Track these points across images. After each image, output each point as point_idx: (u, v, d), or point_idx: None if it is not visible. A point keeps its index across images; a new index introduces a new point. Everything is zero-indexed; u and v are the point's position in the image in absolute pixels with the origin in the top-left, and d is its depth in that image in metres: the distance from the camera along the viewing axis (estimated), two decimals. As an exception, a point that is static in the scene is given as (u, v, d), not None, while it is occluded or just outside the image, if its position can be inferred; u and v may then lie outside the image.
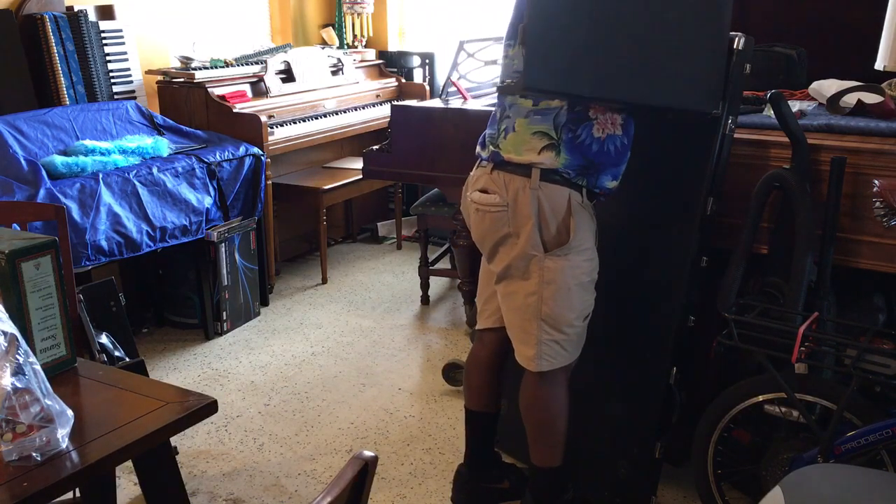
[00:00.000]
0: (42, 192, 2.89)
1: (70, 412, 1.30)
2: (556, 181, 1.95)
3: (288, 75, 4.24)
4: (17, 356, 1.27)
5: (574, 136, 1.93)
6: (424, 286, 4.00)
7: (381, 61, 4.97)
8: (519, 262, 2.00)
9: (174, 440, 1.59)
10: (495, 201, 2.01)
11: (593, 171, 1.97)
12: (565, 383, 2.12)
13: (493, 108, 3.32)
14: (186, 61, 3.96)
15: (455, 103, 3.48)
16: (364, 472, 1.07)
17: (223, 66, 4.01)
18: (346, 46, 4.93)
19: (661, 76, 1.90)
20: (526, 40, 1.76)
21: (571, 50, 1.80)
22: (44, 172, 2.99)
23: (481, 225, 2.08)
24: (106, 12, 3.72)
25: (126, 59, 3.75)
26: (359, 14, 4.91)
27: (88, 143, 3.27)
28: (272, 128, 3.96)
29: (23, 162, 3.01)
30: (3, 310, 1.36)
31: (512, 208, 1.98)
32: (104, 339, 2.53)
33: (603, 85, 1.84)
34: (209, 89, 3.85)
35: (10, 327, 1.30)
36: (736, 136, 2.18)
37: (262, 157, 3.75)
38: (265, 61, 4.14)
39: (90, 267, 3.08)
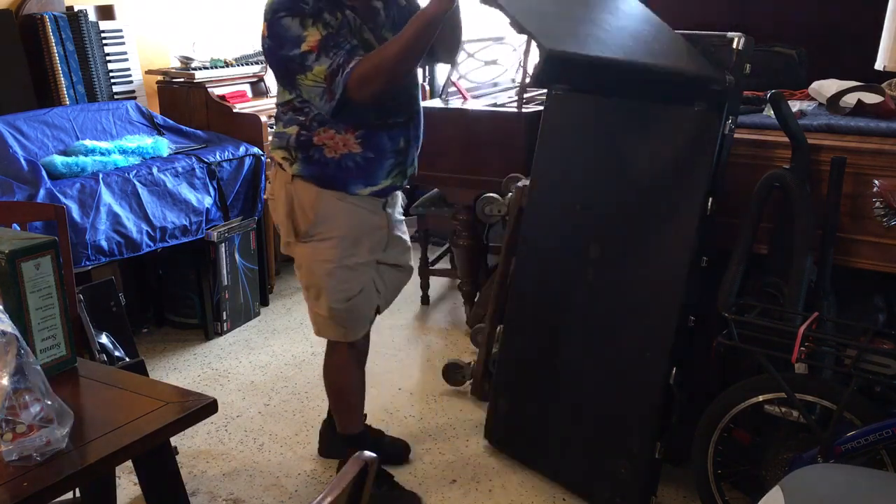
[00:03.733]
0: (42, 192, 2.89)
1: (70, 412, 1.30)
2: (306, 179, 2.16)
3: (288, 75, 4.24)
4: (17, 356, 1.27)
5: (308, 156, 2.14)
6: (424, 286, 4.00)
7: (381, 61, 4.96)
8: (286, 247, 2.28)
9: (174, 440, 1.59)
10: (269, 191, 2.31)
11: (337, 183, 2.14)
12: (349, 359, 2.34)
13: (493, 109, 3.34)
14: (186, 61, 3.96)
15: (455, 103, 3.48)
16: (364, 472, 1.07)
17: (223, 66, 4.01)
18: (346, 46, 4.92)
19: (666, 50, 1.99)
20: (522, 24, 1.78)
21: (572, 22, 1.87)
22: (44, 172, 2.99)
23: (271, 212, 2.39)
24: (106, 12, 3.72)
25: (126, 59, 3.75)
26: (359, 14, 4.91)
27: (88, 143, 3.27)
28: (272, 128, 3.96)
29: (23, 162, 3.01)
30: (3, 310, 1.36)
31: (275, 199, 2.25)
32: (104, 339, 2.53)
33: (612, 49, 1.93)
34: (209, 89, 3.85)
35: (10, 327, 1.30)
36: (736, 136, 2.18)
37: (262, 157, 3.74)
38: (265, 61, 4.13)
39: (90, 267, 3.08)
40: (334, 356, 2.36)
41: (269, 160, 2.35)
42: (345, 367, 2.36)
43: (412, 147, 2.26)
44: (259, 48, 4.22)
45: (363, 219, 2.21)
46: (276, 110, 2.25)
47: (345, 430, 2.41)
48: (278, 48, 2.00)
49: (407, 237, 2.44)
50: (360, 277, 2.23)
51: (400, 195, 2.38)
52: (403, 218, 2.43)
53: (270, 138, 2.41)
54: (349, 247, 2.19)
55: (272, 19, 1.98)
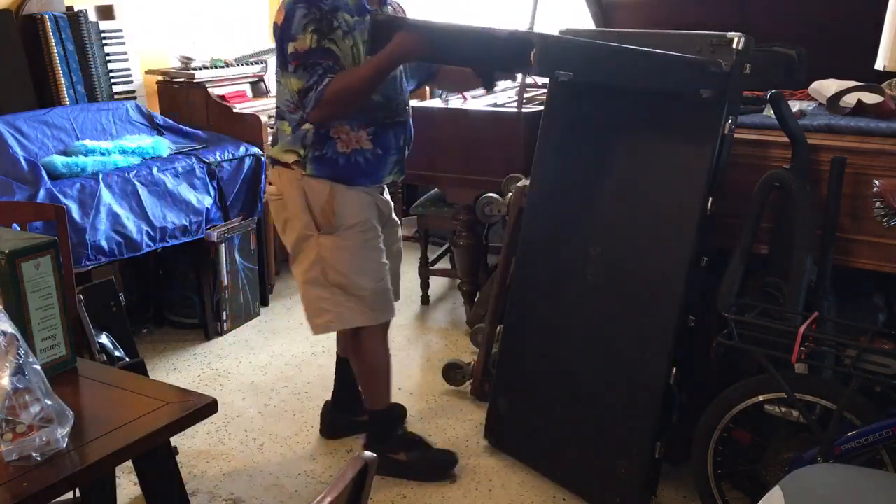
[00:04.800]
0: (42, 192, 2.89)
1: (70, 412, 1.30)
2: (318, 177, 2.26)
3: (288, 75, 4.24)
4: (17, 356, 1.27)
5: (320, 154, 2.23)
6: (424, 286, 4.00)
7: (381, 61, 4.96)
8: (300, 242, 2.33)
9: (174, 440, 1.59)
10: (273, 191, 2.37)
11: (344, 178, 2.26)
12: (383, 340, 2.47)
13: (493, 109, 3.34)
14: (186, 61, 3.96)
15: (455, 103, 3.48)
16: (364, 472, 1.07)
17: (223, 66, 4.01)
18: (346, 46, 4.92)
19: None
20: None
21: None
22: (44, 172, 2.99)
23: (271, 212, 2.46)
24: (106, 12, 3.72)
25: (126, 59, 3.75)
26: (359, 14, 4.90)
27: (88, 143, 3.27)
28: (272, 127, 3.95)
29: (23, 162, 3.01)
30: (3, 310, 1.36)
31: (284, 196, 2.32)
32: (104, 339, 2.52)
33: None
34: (209, 89, 3.85)
35: (10, 327, 1.30)
36: (736, 136, 2.18)
37: (262, 158, 3.74)
38: (265, 61, 4.13)
39: (90, 267, 3.08)
40: (368, 341, 2.42)
41: (267, 160, 2.43)
42: (378, 350, 2.46)
43: (408, 146, 2.41)
44: (259, 49, 4.28)
45: (371, 203, 2.34)
46: (282, 107, 2.30)
47: (377, 406, 2.51)
48: (285, 35, 2.11)
49: (398, 222, 2.59)
50: (382, 258, 2.37)
51: None
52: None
53: (271, 137, 2.46)
54: (369, 230, 2.33)
55: (291, 5, 2.08)
